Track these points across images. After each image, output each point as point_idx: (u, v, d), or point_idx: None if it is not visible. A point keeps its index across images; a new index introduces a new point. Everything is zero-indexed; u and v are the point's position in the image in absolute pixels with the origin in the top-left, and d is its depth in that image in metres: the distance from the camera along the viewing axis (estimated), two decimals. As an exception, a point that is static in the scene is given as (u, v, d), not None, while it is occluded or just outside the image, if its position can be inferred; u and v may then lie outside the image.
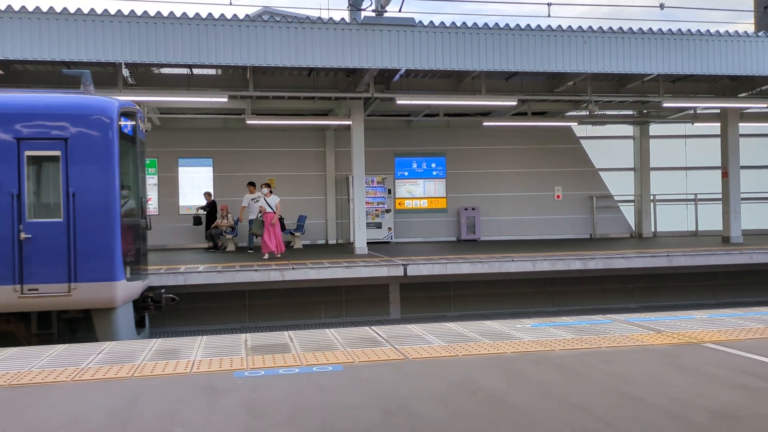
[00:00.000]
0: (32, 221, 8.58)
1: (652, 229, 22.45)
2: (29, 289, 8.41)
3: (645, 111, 21.10)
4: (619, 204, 22.52)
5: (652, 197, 22.46)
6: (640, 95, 17.79)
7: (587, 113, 18.54)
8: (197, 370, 5.39)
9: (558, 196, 22.15)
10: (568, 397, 4.50)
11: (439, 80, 17.35)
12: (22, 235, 8.42)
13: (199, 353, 6.06)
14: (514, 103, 16.95)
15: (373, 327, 7.38)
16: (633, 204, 22.69)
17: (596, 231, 22.14)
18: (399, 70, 14.64)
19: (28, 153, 8.56)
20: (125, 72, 14.91)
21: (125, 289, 9.06)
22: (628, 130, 22.84)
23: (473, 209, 21.17)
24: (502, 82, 17.50)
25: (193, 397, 4.65)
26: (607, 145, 22.69)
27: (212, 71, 16.26)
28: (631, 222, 22.61)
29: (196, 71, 15.97)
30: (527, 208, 21.99)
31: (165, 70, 15.93)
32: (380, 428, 3.93)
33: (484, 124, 19.57)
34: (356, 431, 3.88)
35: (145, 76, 16.20)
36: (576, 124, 21.05)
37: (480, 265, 14.07)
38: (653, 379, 4.96)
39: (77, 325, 9.18)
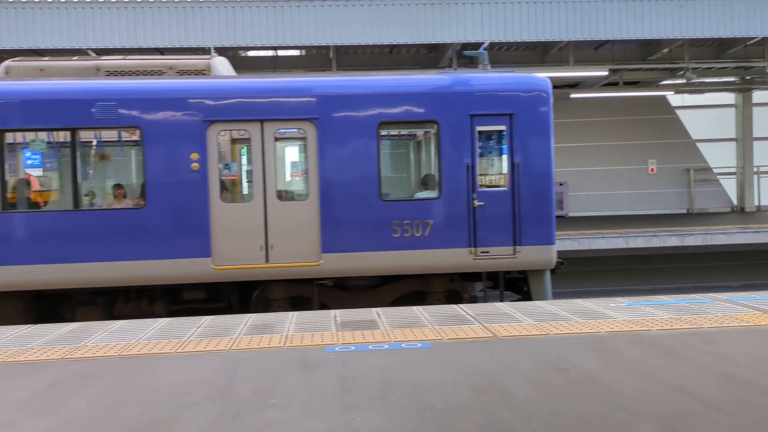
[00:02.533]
0: (482, 190, 9.34)
1: (756, 203, 21.13)
2: (481, 252, 9.21)
3: (748, 77, 19.79)
4: (718, 177, 21.33)
5: (755, 169, 21.12)
6: (742, 60, 16.70)
7: (684, 81, 17.60)
8: (290, 345, 5.56)
9: (652, 170, 21.21)
10: (667, 379, 4.34)
11: (524, 52, 16.92)
12: (476, 203, 9.18)
13: (291, 328, 6.23)
14: (605, 73, 16.31)
15: (460, 305, 7.36)
16: (734, 177, 21.42)
17: (694, 205, 21.08)
18: (482, 43, 14.36)
19: (479, 128, 9.29)
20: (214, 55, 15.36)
21: (556, 252, 9.80)
22: (728, 98, 21.51)
23: (560, 184, 20.59)
24: (591, 52, 16.87)
25: (287, 371, 4.79)
26: (706, 115, 21.47)
27: (296, 52, 16.52)
28: (732, 196, 21.38)
29: (280, 53, 16.27)
30: (618, 182, 21.19)
31: (251, 53, 16.32)
32: (472, 405, 3.93)
33: (572, 96, 18.94)
34: (448, 408, 3.90)
35: (232, 60, 16.65)
36: (671, 93, 20.02)
37: (569, 242, 13.73)
38: (760, 360, 4.70)
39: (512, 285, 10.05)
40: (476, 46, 15.10)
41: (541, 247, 9.41)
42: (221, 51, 14.91)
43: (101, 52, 14.49)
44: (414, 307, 7.24)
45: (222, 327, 6.40)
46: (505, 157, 9.53)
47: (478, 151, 9.44)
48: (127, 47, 13.60)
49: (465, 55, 12.64)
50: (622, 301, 7.18)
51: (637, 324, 5.96)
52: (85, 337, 6.05)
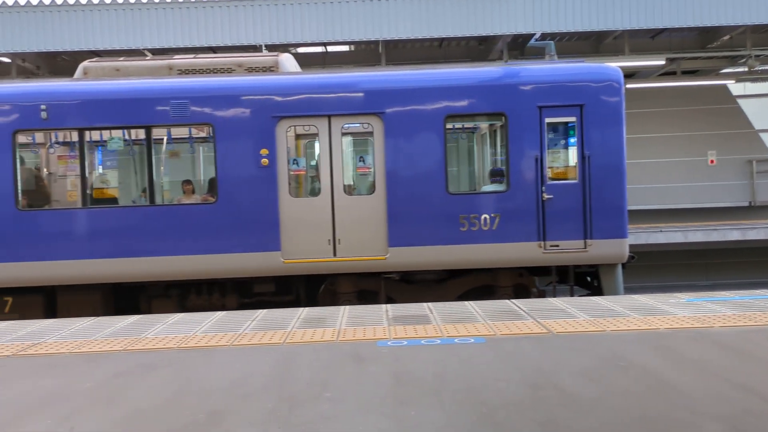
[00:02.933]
0: (552, 183, 9.36)
1: (823, 196, 20.20)
2: (551, 245, 9.20)
3: (815, 63, 18.90)
4: (784, 168, 20.45)
5: (822, 160, 20.17)
6: (809, 46, 15.97)
7: (746, 69, 16.92)
8: (343, 339, 5.60)
9: (712, 161, 20.49)
10: (732, 377, 4.19)
11: (577, 42, 16.57)
12: (545, 196, 9.19)
13: (343, 322, 6.28)
14: (662, 63, 15.84)
15: (513, 300, 7.28)
16: (800, 168, 20.49)
17: (756, 198, 20.23)
18: (534, 34, 14.12)
19: (548, 119, 9.32)
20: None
21: (628, 246, 9.77)
22: (794, 85, 20.60)
23: (615, 177, 20.11)
24: (648, 41, 16.38)
25: (340, 364, 4.83)
26: (770, 104, 20.63)
27: (345, 48, 16.58)
28: (798, 188, 20.47)
29: (330, 48, 16.36)
30: (676, 174, 20.52)
31: (300, 50, 16.46)
32: (527, 402, 3.88)
33: (628, 86, 18.38)
34: (503, 404, 3.85)
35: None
36: (732, 82, 19.27)
37: (624, 235, 13.38)
38: (832, 360, 4.49)
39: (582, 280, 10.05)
40: (527, 37, 14.87)
41: (612, 241, 9.24)
42: (271, 48, 15.10)
43: (156, 52, 14.86)
44: (466, 302, 7.20)
45: (276, 320, 6.49)
46: (575, 149, 9.39)
47: (547, 143, 9.32)
48: (181, 47, 13.89)
49: (530, 45, 12.29)
50: (681, 297, 6.98)
51: (697, 321, 5.78)
52: (145, 330, 6.23)
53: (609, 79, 9.30)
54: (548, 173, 9.33)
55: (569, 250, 9.20)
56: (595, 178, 9.19)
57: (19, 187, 9.12)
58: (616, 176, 9.24)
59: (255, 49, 14.55)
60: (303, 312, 6.92)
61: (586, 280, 9.99)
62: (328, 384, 4.36)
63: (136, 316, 7.08)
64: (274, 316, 6.73)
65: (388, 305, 7.19)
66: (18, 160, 9.16)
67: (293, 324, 6.28)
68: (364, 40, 13.94)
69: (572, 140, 9.47)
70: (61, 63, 17.39)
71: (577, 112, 9.24)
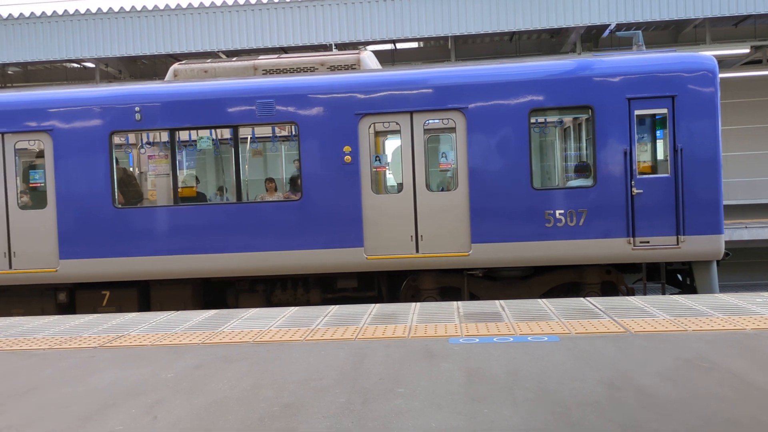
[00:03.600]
0: (642, 177, 9.29)
1: None
2: (641, 242, 9.15)
3: None
4: None
5: None
6: None
7: (840, 55, 15.91)
8: (414, 335, 5.60)
9: (801, 154, 19.36)
10: (828, 382, 3.95)
11: (654, 32, 15.98)
12: (634, 190, 9.14)
13: (415, 319, 6.28)
14: (746, 51, 15.08)
15: (588, 298, 7.10)
16: None
17: None
18: (608, 25, 13.71)
19: (637, 112, 9.25)
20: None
21: (723, 242, 9.61)
22: None
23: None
24: (730, 29, 15.64)
25: (412, 361, 4.83)
26: None
27: (414, 45, 16.57)
28: None
29: (399, 46, 16.39)
30: (762, 168, 19.52)
31: (370, 47, 16.55)
32: (604, 402, 3.77)
33: (709, 76, 17.64)
34: (578, 403, 3.76)
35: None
36: (824, 69, 18.14)
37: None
38: None
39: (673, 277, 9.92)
40: (601, 29, 14.47)
41: (707, 237, 8.91)
42: (341, 47, 15.28)
43: (231, 53, 15.28)
44: (539, 300, 7.07)
45: (348, 316, 6.56)
46: (666, 141, 9.09)
47: (636, 136, 9.07)
48: (254, 48, 14.24)
49: (618, 35, 11.98)
50: (770, 297, 6.63)
51: (788, 321, 5.48)
52: (222, 324, 6.42)
53: (702, 69, 8.96)
54: (637, 167, 9.07)
55: (660, 247, 8.92)
56: (688, 171, 8.88)
57: (115, 187, 9.57)
58: (710, 169, 8.90)
59: (325, 48, 14.75)
60: (374, 308, 6.96)
61: (677, 278, 9.62)
62: (400, 379, 4.37)
63: (213, 310, 7.30)
64: (346, 312, 6.80)
65: (460, 302, 7.14)
66: (114, 161, 9.61)
67: (365, 320, 6.33)
68: (434, 36, 13.88)
69: (663, 133, 9.15)
70: (142, 67, 18.15)
71: (669, 104, 8.96)
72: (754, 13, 13.17)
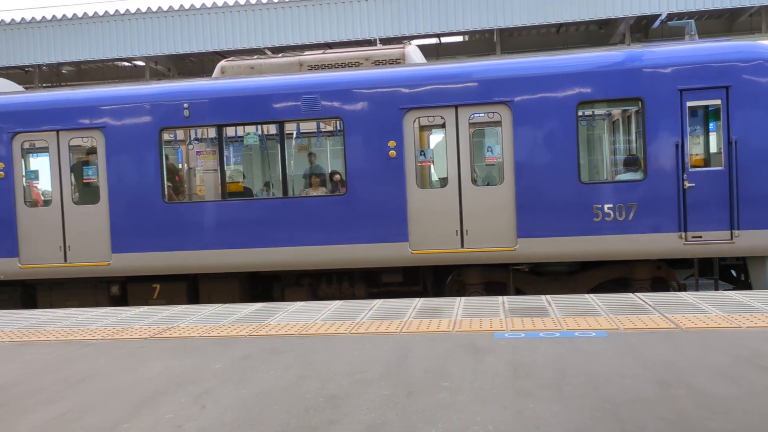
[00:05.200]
0: (694, 170, 9.14)
1: None
2: (693, 236, 8.88)
3: None
4: None
5: None
6: None
7: None
8: (459, 329, 5.57)
9: None
10: None
11: (707, 21, 15.49)
12: (686, 184, 9.03)
13: (459, 313, 6.25)
14: (805, 39, 14.45)
15: (637, 294, 6.94)
16: None
17: None
18: (659, 15, 13.35)
19: (689, 103, 9.13)
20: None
21: None
22: None
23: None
24: (789, 16, 15.02)
25: (457, 355, 4.81)
26: None
27: (459, 39, 16.45)
28: None
29: (444, 40, 16.29)
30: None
31: (415, 42, 16.50)
32: (655, 400, 3.68)
33: (765, 66, 17.01)
34: (628, 401, 3.68)
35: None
36: None
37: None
38: None
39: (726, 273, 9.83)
40: (652, 19, 14.10)
41: (763, 232, 8.63)
42: (385, 41, 15.27)
43: (276, 50, 15.45)
44: (587, 295, 6.95)
45: (392, 310, 6.57)
46: (719, 133, 8.83)
47: (688, 128, 8.84)
48: (299, 44, 14.36)
49: (669, 25, 11.70)
50: (832, 294, 6.37)
51: None
52: (268, 317, 6.51)
53: (759, 58, 8.66)
54: (689, 160, 8.83)
55: (714, 242, 8.68)
56: (743, 164, 8.61)
57: (165, 182, 9.79)
58: (766, 162, 8.61)
59: (370, 43, 14.77)
60: (419, 302, 6.96)
61: (731, 274, 9.33)
62: (444, 373, 4.35)
63: (259, 303, 7.41)
64: (391, 306, 6.81)
65: (505, 297, 7.08)
66: (163, 156, 9.84)
67: (409, 314, 6.33)
68: (479, 29, 13.75)
69: (716, 125, 8.88)
70: (189, 64, 18.50)
71: (723, 95, 8.69)
72: (814, -1, 12.66)
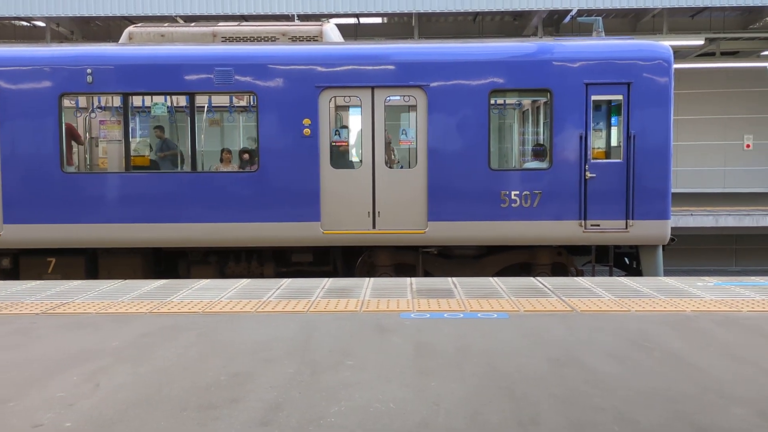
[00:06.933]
0: (595, 161, 9.30)
1: None
2: (591, 225, 9.14)
3: None
4: (822, 155, 19.92)
5: None
6: None
7: (788, 51, 16.42)
8: (366, 309, 5.61)
9: (748, 146, 20.02)
10: (760, 362, 4.12)
11: (614, 20, 16.20)
12: (587, 174, 9.14)
13: (367, 293, 6.29)
14: (701, 43, 15.42)
15: (538, 278, 7.23)
16: (840, 155, 19.95)
17: (792, 185, 19.81)
18: (570, 10, 13.83)
19: (594, 97, 9.24)
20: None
21: (670, 228, 9.71)
22: (838, 70, 19.93)
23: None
24: (687, 20, 15.97)
25: (363, 334, 4.85)
26: (811, 88, 20.00)
27: (378, 20, 16.41)
28: (836, 175, 19.95)
29: (362, 21, 16.21)
30: (710, 158, 20.14)
31: (333, 21, 16.32)
32: (549, 378, 3.85)
33: (664, 66, 18.00)
34: (524, 378, 3.84)
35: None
36: (773, 64, 18.72)
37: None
38: None
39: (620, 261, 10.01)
40: (563, 14, 14.58)
41: (655, 222, 9.12)
42: (303, 18, 15.02)
43: (188, 19, 14.87)
44: (490, 278, 7.16)
45: (300, 290, 6.53)
46: (620, 128, 9.23)
47: (592, 121, 9.17)
48: (214, 15, 13.88)
49: (578, 21, 12.19)
50: (710, 281, 6.86)
51: (726, 304, 5.68)
52: (171, 294, 6.32)
53: (659, 58, 9.09)
54: (592, 152, 9.19)
55: (610, 230, 9.12)
56: (640, 158, 9.05)
57: (63, 151, 9.24)
58: (661, 157, 9.10)
59: (287, 18, 14.49)
60: (327, 282, 6.95)
61: (624, 261, 9.86)
62: (349, 352, 4.38)
63: (162, 280, 7.18)
64: (299, 286, 6.77)
65: (413, 278, 7.19)
66: (62, 124, 9.27)
67: (317, 293, 6.32)
68: (398, 12, 13.76)
69: (618, 119, 9.29)
70: (95, 28, 17.53)
71: (624, 91, 9.07)
72: (710, 5, 13.46)
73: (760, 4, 13.33)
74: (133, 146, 9.63)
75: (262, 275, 9.50)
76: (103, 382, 3.83)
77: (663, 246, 9.36)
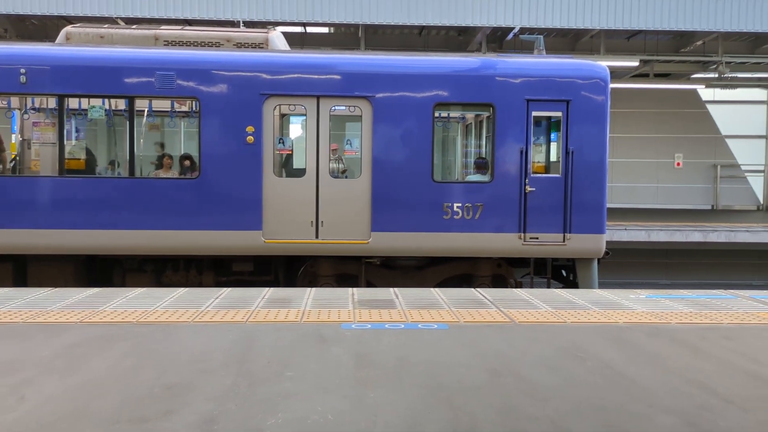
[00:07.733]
0: (535, 176, 9.31)
1: (783, 203, 20.77)
2: (530, 238, 9.18)
3: (783, 74, 19.36)
4: (746, 174, 20.95)
5: (784, 168, 20.72)
6: (778, 56, 16.32)
7: (716, 75, 17.24)
8: (307, 320, 5.57)
9: (678, 164, 20.90)
10: (686, 373, 4.28)
11: (554, 39, 16.68)
12: (527, 188, 9.17)
13: (308, 303, 6.25)
14: (635, 64, 16.05)
15: (478, 289, 7.33)
16: (762, 174, 21.03)
17: (719, 202, 20.76)
18: (513, 28, 14.17)
19: (534, 113, 9.29)
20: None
21: (605, 242, 9.77)
22: (761, 94, 21.07)
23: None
24: (623, 42, 16.58)
25: (303, 345, 4.80)
26: (737, 111, 21.05)
27: (325, 30, 16.42)
28: (759, 194, 21.02)
29: (309, 30, 16.18)
30: (643, 175, 20.91)
31: (280, 29, 16.24)
32: (486, 388, 3.90)
33: (601, 85, 18.63)
34: (462, 389, 3.88)
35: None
36: (703, 87, 19.66)
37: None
38: (783, 360, 4.61)
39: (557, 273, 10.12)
40: (507, 30, 14.92)
41: (590, 236, 9.35)
42: (249, 25, 14.89)
43: (130, 21, 14.52)
44: (432, 289, 7.22)
45: (240, 299, 6.43)
46: (559, 143, 9.45)
47: (532, 136, 9.36)
48: (156, 17, 13.60)
49: (521, 38, 12.50)
50: (641, 293, 7.10)
51: (656, 316, 5.89)
52: (104, 303, 6.12)
53: (596, 77, 9.37)
54: (532, 167, 9.40)
55: (548, 243, 9.30)
56: (577, 173, 9.28)
57: None
58: (597, 173, 9.36)
59: (232, 24, 14.33)
60: (268, 292, 6.87)
61: (562, 273, 10.10)
62: (289, 363, 4.33)
63: (94, 288, 6.94)
64: (238, 295, 6.66)
65: (355, 289, 7.17)
66: None
67: (257, 303, 6.23)
68: (344, 23, 13.80)
69: (557, 135, 9.52)
70: (30, 27, 16.94)
71: (564, 108, 9.31)
72: (645, 28, 14.01)
73: (691, 29, 13.96)
74: (67, 149, 9.30)
75: (201, 284, 9.31)
76: (29, 394, 3.67)
77: (598, 259, 9.63)
